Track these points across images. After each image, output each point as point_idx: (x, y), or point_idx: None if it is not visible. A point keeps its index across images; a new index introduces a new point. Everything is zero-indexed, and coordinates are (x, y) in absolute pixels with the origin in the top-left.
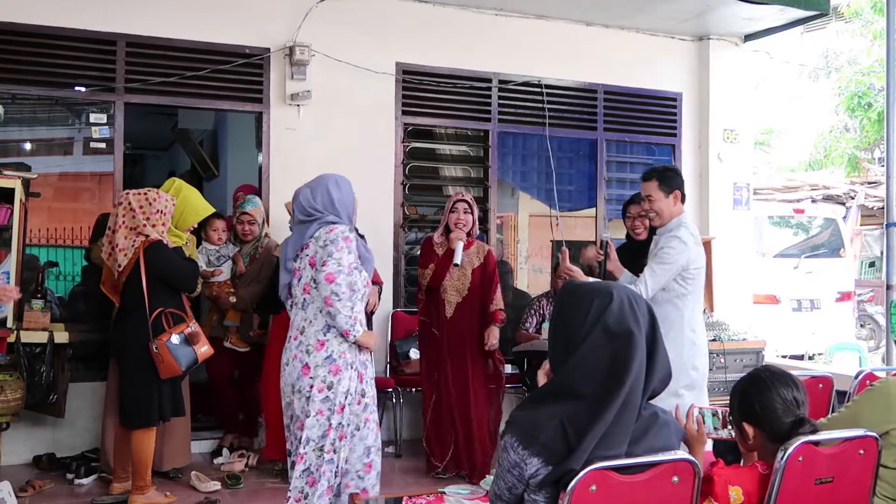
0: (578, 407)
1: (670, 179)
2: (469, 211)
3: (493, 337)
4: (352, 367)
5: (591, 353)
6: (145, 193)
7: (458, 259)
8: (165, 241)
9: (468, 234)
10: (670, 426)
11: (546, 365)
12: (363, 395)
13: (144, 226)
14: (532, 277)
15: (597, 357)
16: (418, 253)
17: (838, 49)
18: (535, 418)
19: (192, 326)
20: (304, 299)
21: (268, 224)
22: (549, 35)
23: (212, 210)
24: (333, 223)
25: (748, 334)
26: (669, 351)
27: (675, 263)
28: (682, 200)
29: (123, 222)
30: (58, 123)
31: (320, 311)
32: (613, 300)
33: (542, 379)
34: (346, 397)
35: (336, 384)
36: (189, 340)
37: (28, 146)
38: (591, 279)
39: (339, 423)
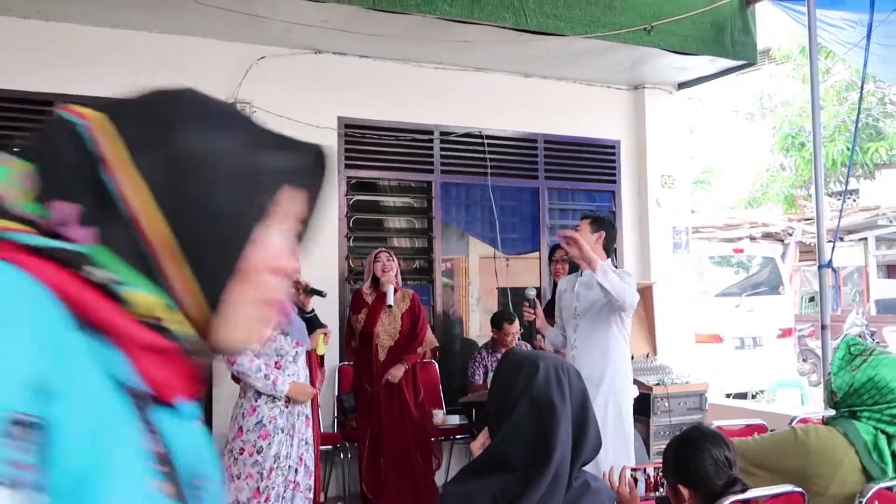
0: (510, 479)
1: (601, 223)
2: (391, 259)
3: (392, 376)
4: (283, 432)
5: (519, 423)
6: None
7: (390, 300)
8: None
9: None
10: (602, 493)
11: (481, 437)
12: (298, 461)
13: None
14: (483, 319)
15: (525, 428)
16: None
17: (772, 90)
18: (466, 493)
19: None
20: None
21: None
22: (489, 87)
23: None
24: None
25: (691, 377)
26: (622, 363)
27: (630, 277)
28: (607, 252)
29: None
30: None
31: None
32: (539, 371)
33: (476, 449)
34: (275, 461)
35: (266, 448)
36: None
37: None
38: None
39: (266, 487)
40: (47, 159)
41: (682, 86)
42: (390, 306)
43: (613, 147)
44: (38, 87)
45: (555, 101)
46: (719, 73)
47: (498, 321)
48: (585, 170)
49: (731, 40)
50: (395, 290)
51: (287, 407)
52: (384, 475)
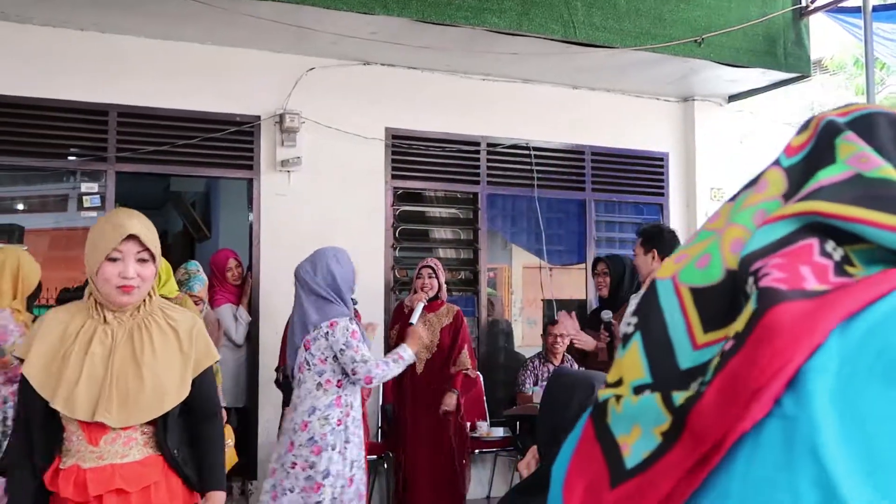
0: None
1: (650, 239)
2: (433, 275)
3: (447, 405)
4: (333, 449)
5: None
6: None
7: (413, 319)
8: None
9: (436, 297)
10: None
11: (528, 455)
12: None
13: None
14: (526, 330)
15: None
16: None
17: (824, 101)
18: None
19: None
20: (299, 378)
21: (246, 294)
22: (536, 98)
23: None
24: (335, 317)
25: None
26: None
27: None
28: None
29: None
30: (52, 181)
31: (309, 393)
32: (595, 391)
33: (523, 469)
34: (324, 477)
35: (317, 464)
36: None
37: (21, 206)
38: (589, 342)
39: (318, 503)
40: None
41: (732, 98)
42: (411, 324)
43: (662, 159)
44: (93, 97)
45: (602, 113)
46: (771, 86)
47: (546, 327)
48: (633, 182)
49: (784, 52)
50: (439, 306)
51: (339, 425)
52: (413, 491)
